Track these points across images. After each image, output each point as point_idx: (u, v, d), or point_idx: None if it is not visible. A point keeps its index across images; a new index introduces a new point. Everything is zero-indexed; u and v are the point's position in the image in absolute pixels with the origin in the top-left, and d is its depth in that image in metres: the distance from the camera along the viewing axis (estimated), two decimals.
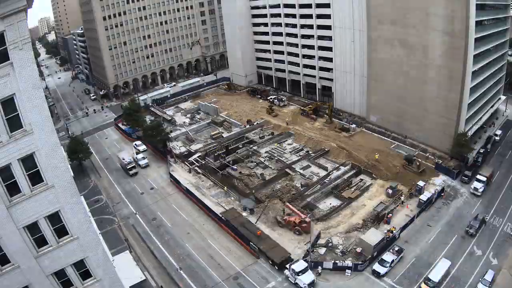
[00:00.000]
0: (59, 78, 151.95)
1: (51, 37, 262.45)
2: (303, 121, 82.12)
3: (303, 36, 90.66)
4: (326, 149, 69.27)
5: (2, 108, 18.66)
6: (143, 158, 72.61)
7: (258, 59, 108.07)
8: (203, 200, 58.27)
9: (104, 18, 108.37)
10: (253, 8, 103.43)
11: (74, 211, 21.70)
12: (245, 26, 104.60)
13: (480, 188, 53.97)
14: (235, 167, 65.48)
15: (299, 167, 64.38)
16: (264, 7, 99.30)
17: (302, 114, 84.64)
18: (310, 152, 69.03)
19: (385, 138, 71.79)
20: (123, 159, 70.40)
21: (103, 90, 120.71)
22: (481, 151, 64.02)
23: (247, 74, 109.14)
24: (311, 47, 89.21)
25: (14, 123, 19.10)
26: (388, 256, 43.88)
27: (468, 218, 50.43)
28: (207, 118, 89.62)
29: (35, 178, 20.26)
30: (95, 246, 23.09)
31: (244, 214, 54.91)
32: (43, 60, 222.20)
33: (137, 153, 74.43)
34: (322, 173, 62.27)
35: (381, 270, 42.60)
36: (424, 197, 52.94)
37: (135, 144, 79.64)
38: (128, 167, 68.93)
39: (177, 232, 53.57)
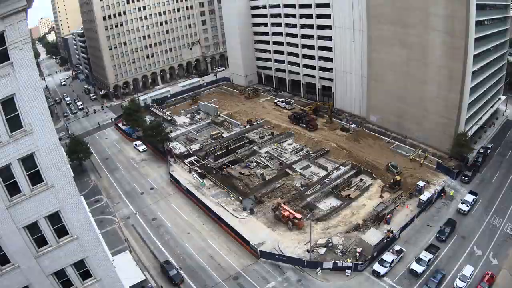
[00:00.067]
0: (64, 83, 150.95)
1: (51, 37, 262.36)
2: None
3: (303, 36, 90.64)
4: (326, 149, 69.29)
5: (2, 108, 18.66)
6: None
7: (258, 59, 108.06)
8: (203, 200, 58.27)
9: (104, 18, 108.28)
10: (253, 8, 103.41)
11: (74, 211, 21.70)
12: (245, 26, 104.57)
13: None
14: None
15: (299, 167, 64.38)
16: (264, 7, 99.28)
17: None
18: (310, 152, 69.04)
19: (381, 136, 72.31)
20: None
21: (103, 90, 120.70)
22: (481, 151, 64.02)
23: (247, 74, 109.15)
24: (311, 47, 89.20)
25: (14, 123, 19.10)
26: (388, 256, 43.96)
27: (468, 219, 50.51)
28: (207, 118, 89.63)
29: (35, 178, 20.26)
30: (95, 246, 23.08)
31: (244, 214, 54.95)
32: (43, 60, 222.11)
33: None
34: (322, 173, 62.28)
35: (381, 270, 42.69)
36: (424, 197, 52.95)
37: (135, 144, 79.76)
38: None
39: (177, 232, 53.58)
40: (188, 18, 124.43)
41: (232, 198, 58.78)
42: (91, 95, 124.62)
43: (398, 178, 57.13)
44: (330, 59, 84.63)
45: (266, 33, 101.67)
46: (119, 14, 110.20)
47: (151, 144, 76.85)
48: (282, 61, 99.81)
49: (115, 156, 78.48)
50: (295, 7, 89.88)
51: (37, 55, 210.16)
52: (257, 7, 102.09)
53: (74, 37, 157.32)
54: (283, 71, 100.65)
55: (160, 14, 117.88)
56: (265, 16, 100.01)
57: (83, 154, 71.45)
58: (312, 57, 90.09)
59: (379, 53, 70.49)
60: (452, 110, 61.52)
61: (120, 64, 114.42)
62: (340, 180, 59.92)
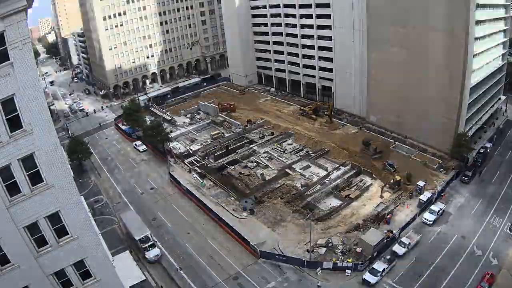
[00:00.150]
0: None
1: (51, 37, 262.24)
2: (303, 122, 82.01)
3: (303, 36, 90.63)
4: (326, 149, 69.29)
5: (2, 108, 18.65)
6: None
7: (258, 59, 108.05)
8: (203, 200, 58.26)
9: (104, 18, 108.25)
10: (253, 8, 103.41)
11: (74, 211, 21.70)
12: (245, 26, 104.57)
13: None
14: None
15: (299, 167, 64.37)
16: (264, 7, 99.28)
17: (302, 114, 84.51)
18: (310, 152, 69.03)
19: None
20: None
21: (103, 90, 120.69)
22: (481, 151, 64.05)
23: (247, 74, 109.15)
24: (311, 47, 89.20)
25: (14, 123, 19.09)
26: (379, 265, 43.09)
27: (468, 219, 50.51)
28: (207, 118, 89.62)
29: (35, 178, 20.25)
30: (95, 246, 23.08)
31: (244, 214, 54.95)
32: (43, 60, 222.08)
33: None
34: (322, 173, 62.27)
35: (372, 279, 41.65)
36: (424, 197, 52.91)
37: (135, 144, 79.76)
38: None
39: (177, 232, 53.56)
40: (188, 18, 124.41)
41: (232, 198, 58.77)
42: (91, 95, 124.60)
43: (398, 178, 57.15)
44: (330, 59, 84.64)
45: (266, 33, 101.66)
46: (119, 14, 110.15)
47: (151, 144, 76.85)
48: (282, 61, 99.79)
49: (115, 156, 78.47)
50: (295, 7, 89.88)
51: (37, 55, 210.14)
52: (257, 7, 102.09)
53: (74, 37, 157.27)
54: (283, 71, 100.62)
55: (160, 14, 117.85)
56: (265, 16, 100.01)
57: (83, 154, 71.45)
58: (312, 57, 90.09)
59: (379, 53, 70.49)
60: (452, 110, 61.52)
61: (120, 64, 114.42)
62: (340, 180, 59.92)
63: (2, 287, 20.50)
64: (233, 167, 66.07)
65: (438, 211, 50.64)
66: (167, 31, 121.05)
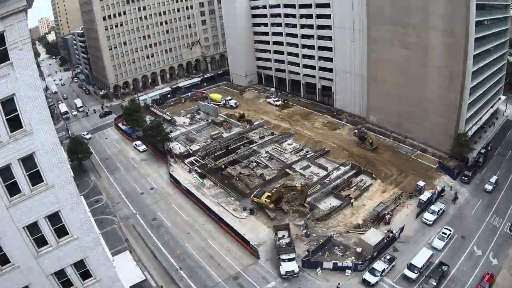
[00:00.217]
0: (61, 80, 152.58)
1: (51, 37, 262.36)
2: (304, 123, 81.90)
3: (303, 36, 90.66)
4: (326, 149, 69.30)
5: (2, 108, 18.65)
6: None
7: (258, 59, 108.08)
8: (203, 200, 58.26)
9: (104, 18, 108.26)
10: (253, 8, 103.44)
11: (74, 211, 21.71)
12: (245, 26, 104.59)
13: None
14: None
15: (299, 167, 64.36)
16: (264, 7, 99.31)
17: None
18: (310, 152, 69.02)
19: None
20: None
21: (103, 90, 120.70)
22: (482, 151, 64.03)
23: (247, 74, 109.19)
24: (311, 47, 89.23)
25: (14, 123, 19.10)
26: (379, 265, 43.00)
27: (468, 219, 50.50)
28: (207, 118, 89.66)
29: (35, 178, 20.25)
30: (95, 246, 23.09)
31: (244, 214, 54.95)
32: (43, 60, 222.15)
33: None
34: (322, 173, 62.27)
35: (372, 279, 41.55)
36: (424, 197, 52.89)
37: (135, 144, 79.78)
38: None
39: (177, 232, 53.57)
40: (188, 18, 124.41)
41: (232, 198, 58.78)
42: (90, 91, 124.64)
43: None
44: (330, 59, 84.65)
45: (266, 33, 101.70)
46: (119, 14, 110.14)
47: (151, 144, 76.85)
48: (282, 61, 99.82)
49: (115, 156, 78.49)
50: (295, 7, 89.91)
51: (37, 55, 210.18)
52: (257, 7, 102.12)
53: (74, 37, 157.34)
54: (283, 71, 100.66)
55: (160, 14, 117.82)
56: (265, 16, 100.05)
57: (83, 154, 71.47)
58: (312, 57, 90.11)
59: (379, 53, 70.51)
60: (452, 110, 61.52)
61: (120, 64, 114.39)
62: (340, 180, 59.91)
63: (2, 287, 20.50)
64: (233, 167, 66.07)
65: (438, 211, 50.65)
66: (167, 31, 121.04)
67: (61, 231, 21.71)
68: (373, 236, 46.10)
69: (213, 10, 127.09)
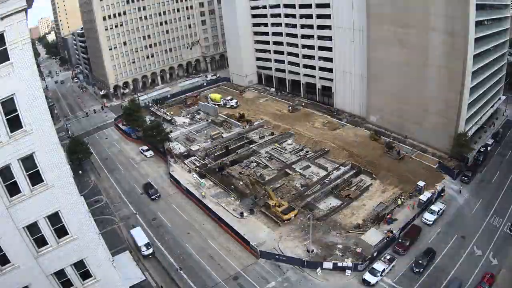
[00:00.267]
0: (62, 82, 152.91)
1: (51, 37, 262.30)
2: (304, 123, 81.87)
3: (303, 36, 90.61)
4: (326, 149, 69.28)
5: (2, 108, 18.65)
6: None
7: (258, 59, 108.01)
8: (203, 200, 58.21)
9: (104, 18, 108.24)
10: (253, 8, 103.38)
11: (74, 211, 21.72)
12: (245, 26, 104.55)
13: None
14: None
15: (299, 167, 64.35)
16: (264, 7, 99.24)
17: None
18: (310, 152, 69.00)
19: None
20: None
21: (103, 90, 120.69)
22: (481, 150, 64.05)
23: (247, 74, 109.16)
24: (311, 47, 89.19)
25: (14, 123, 19.11)
26: (379, 265, 42.99)
27: (468, 219, 50.49)
28: (207, 118, 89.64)
29: (35, 178, 20.27)
30: (95, 246, 23.11)
31: (245, 214, 54.94)
32: (43, 60, 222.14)
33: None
34: (322, 173, 62.26)
35: (372, 279, 41.53)
36: (424, 197, 52.89)
37: (141, 149, 77.98)
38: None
39: (177, 232, 53.56)
40: (188, 18, 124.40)
41: (232, 198, 58.76)
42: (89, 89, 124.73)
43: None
44: (330, 59, 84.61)
45: (266, 33, 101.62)
46: (119, 14, 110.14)
47: (151, 144, 76.78)
48: (282, 61, 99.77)
49: (115, 156, 78.48)
50: (295, 7, 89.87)
51: (37, 55, 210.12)
52: (257, 7, 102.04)
53: (74, 37, 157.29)
54: (283, 71, 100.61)
55: (160, 14, 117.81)
56: (265, 16, 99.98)
57: (83, 154, 71.46)
58: (312, 57, 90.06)
59: (379, 53, 70.49)
60: (452, 110, 61.51)
61: (120, 64, 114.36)
62: (340, 180, 59.91)
63: (2, 287, 20.50)
64: (234, 166, 66.07)
65: (438, 211, 50.66)
66: (167, 31, 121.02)
67: (61, 231, 21.73)
68: (373, 236, 46.11)
69: (213, 10, 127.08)
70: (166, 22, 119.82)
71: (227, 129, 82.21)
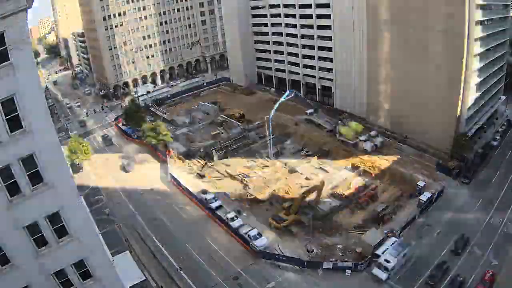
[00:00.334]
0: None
1: (51, 37, 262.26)
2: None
3: (303, 36, 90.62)
4: (326, 149, 69.25)
5: (2, 108, 18.64)
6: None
7: (258, 59, 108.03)
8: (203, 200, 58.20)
9: (104, 18, 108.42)
10: (253, 8, 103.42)
11: (74, 211, 21.69)
12: (245, 26, 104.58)
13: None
14: None
15: (299, 167, 64.27)
16: (264, 7, 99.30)
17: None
18: (310, 152, 68.99)
19: None
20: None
21: (103, 90, 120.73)
22: (481, 150, 64.02)
23: (247, 74, 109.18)
24: (311, 47, 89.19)
25: (14, 123, 19.07)
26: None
27: (468, 219, 50.44)
28: (207, 118, 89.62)
29: (35, 178, 20.21)
30: (95, 246, 23.09)
31: (245, 214, 54.86)
32: (43, 60, 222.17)
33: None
34: (322, 173, 62.18)
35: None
36: (424, 197, 52.87)
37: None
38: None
39: (177, 232, 53.55)
40: (188, 18, 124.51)
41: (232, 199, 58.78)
42: (86, 90, 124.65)
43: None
44: (330, 59, 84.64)
45: (266, 33, 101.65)
46: (119, 14, 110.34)
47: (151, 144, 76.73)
48: (282, 61, 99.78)
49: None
50: (295, 7, 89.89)
51: (37, 55, 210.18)
52: (257, 7, 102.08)
53: (74, 37, 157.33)
54: (283, 71, 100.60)
55: (160, 14, 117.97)
56: (265, 16, 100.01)
57: (83, 154, 71.42)
58: (312, 57, 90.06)
59: (379, 53, 70.46)
60: (452, 110, 61.51)
61: (120, 64, 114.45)
62: (340, 180, 59.83)
63: (2, 287, 20.49)
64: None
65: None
66: (167, 31, 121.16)
67: (61, 231, 21.68)
68: (373, 236, 46.10)
69: (213, 10, 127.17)
70: (166, 22, 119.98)
71: (227, 129, 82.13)
